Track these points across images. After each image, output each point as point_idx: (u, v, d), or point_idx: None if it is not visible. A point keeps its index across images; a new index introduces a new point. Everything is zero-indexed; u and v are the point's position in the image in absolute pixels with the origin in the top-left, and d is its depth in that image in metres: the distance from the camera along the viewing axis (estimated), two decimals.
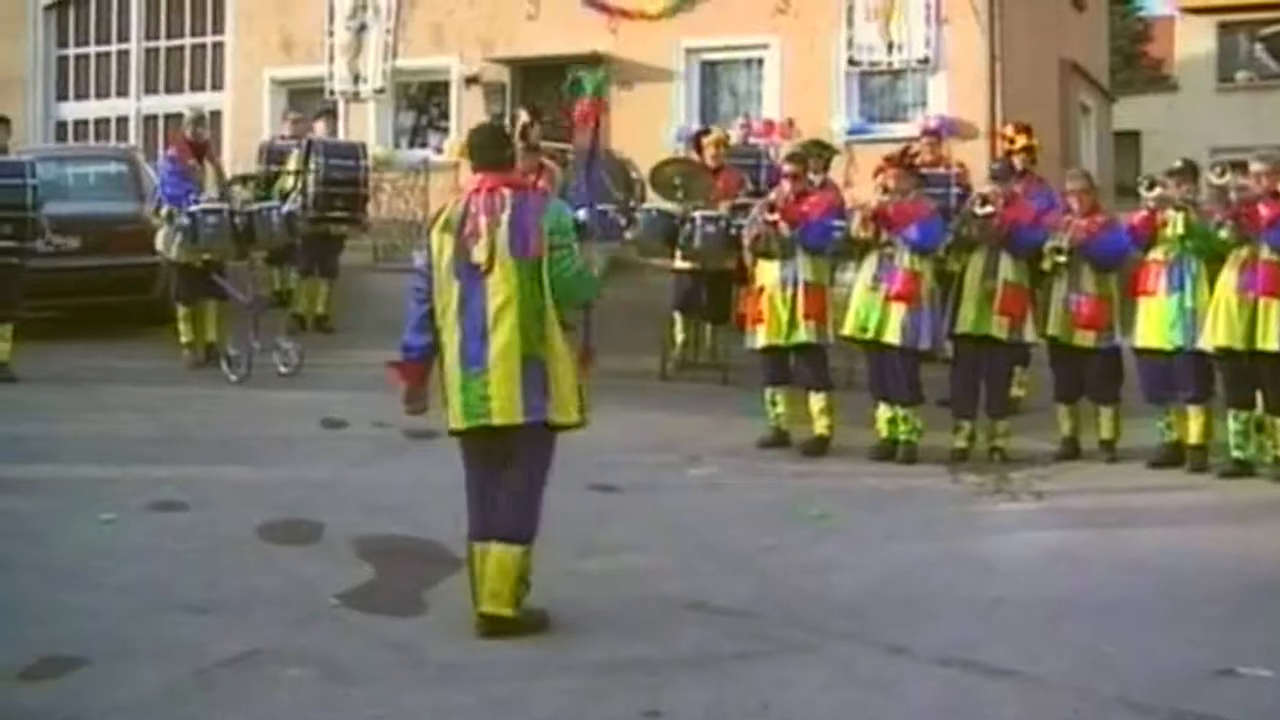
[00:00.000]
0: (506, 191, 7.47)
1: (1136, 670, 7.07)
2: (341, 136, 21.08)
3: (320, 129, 17.91)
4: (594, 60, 23.24)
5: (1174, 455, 11.76)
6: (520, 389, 7.32)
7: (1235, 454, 11.36)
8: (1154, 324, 11.60)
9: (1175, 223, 11.43)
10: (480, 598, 7.41)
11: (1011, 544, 9.78)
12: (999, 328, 12.01)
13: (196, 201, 14.56)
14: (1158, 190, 11.60)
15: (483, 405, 7.32)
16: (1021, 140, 13.90)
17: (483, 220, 7.37)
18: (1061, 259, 11.92)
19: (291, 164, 16.76)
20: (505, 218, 7.37)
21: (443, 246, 7.43)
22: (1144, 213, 11.73)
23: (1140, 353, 11.82)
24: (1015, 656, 7.22)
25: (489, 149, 7.73)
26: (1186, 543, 9.60)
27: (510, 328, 7.33)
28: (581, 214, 14.51)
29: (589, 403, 7.66)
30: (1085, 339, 12.05)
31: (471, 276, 7.35)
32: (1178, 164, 11.90)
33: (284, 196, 15.89)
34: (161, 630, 7.42)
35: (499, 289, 7.33)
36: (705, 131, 16.94)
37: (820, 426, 12.31)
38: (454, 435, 7.53)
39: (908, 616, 7.94)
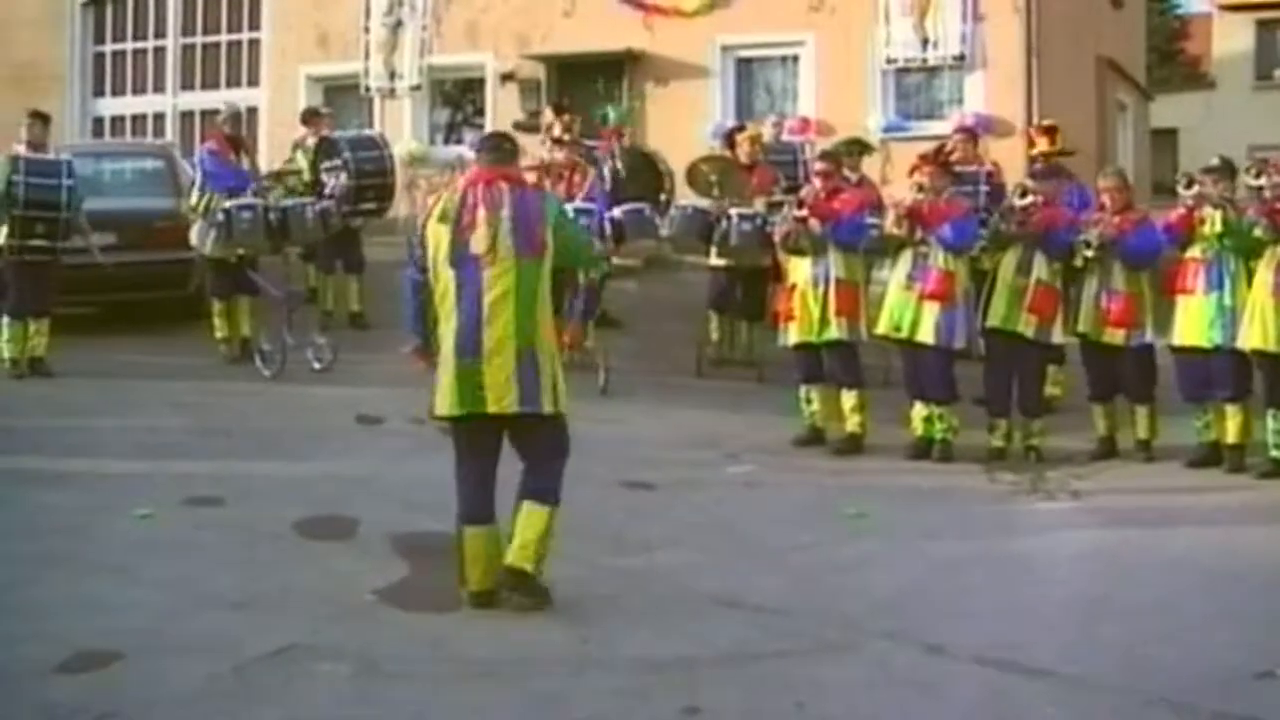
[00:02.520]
0: (504, 185, 7.70)
1: (1176, 671, 7.03)
2: (377, 130, 21.04)
3: (309, 134, 17.58)
4: (629, 58, 23.30)
5: (1212, 455, 11.69)
6: (516, 379, 7.53)
7: (1274, 454, 11.27)
8: (1192, 322, 11.53)
9: (1213, 220, 11.38)
10: (501, 561, 7.69)
11: (1048, 543, 9.73)
12: (1027, 325, 11.94)
13: (259, 190, 14.65)
14: (1196, 189, 11.53)
15: (477, 394, 7.54)
16: (1043, 144, 13.79)
17: (481, 212, 7.59)
18: (1089, 253, 11.85)
19: (301, 162, 16.77)
20: (507, 214, 7.59)
21: (439, 237, 7.62)
22: (1181, 210, 11.66)
23: (1178, 351, 11.75)
24: (1053, 656, 7.18)
25: (492, 148, 7.96)
26: (1225, 543, 9.56)
27: (506, 320, 7.54)
28: (616, 212, 14.63)
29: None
30: (1115, 337, 11.97)
31: (468, 267, 7.56)
32: (1215, 162, 11.83)
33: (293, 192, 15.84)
34: (198, 625, 7.44)
35: (497, 282, 7.54)
36: (740, 128, 16.92)
37: (852, 424, 12.28)
38: (440, 420, 7.83)
39: (945, 615, 7.91)
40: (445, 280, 7.60)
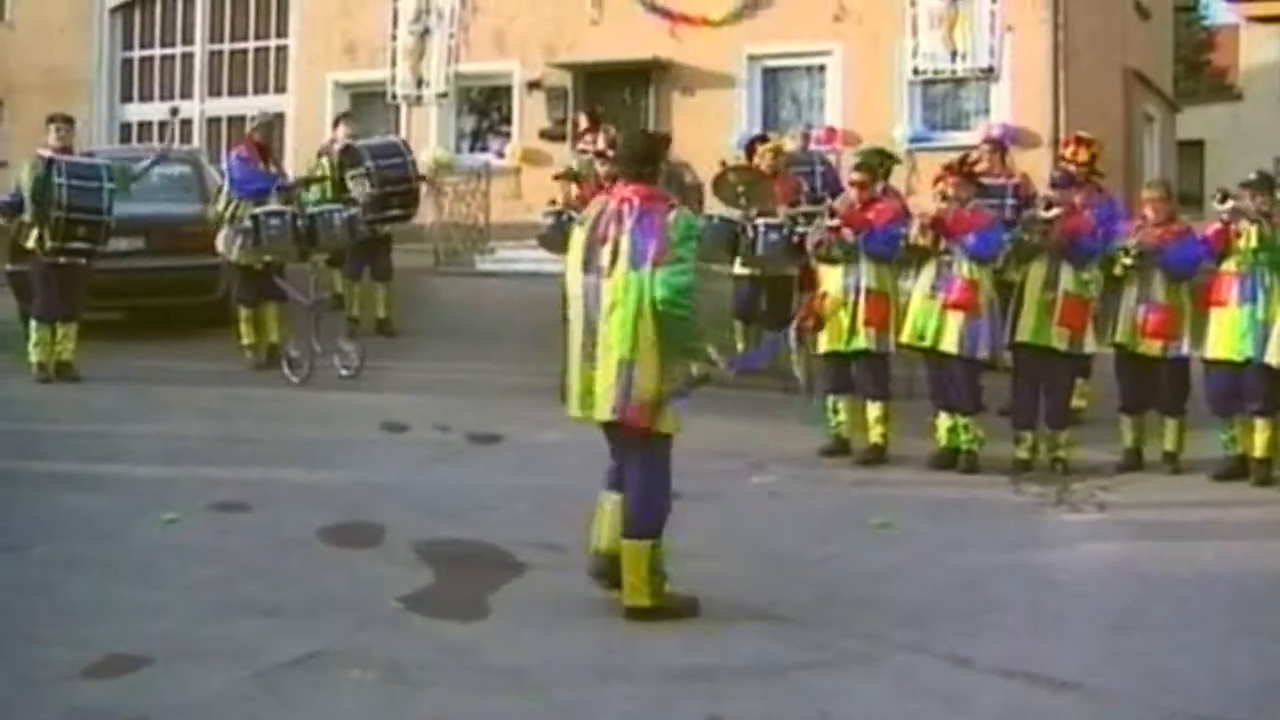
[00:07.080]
0: (636, 201, 7.83)
1: (1202, 684, 7.02)
2: (403, 136, 21.07)
3: (341, 133, 17.68)
4: (656, 66, 23.33)
5: (1238, 468, 11.63)
6: (614, 387, 7.70)
7: None
8: (1225, 335, 11.48)
9: (1249, 235, 11.33)
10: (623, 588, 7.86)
11: (1074, 555, 9.70)
12: (1059, 339, 11.92)
13: (282, 188, 14.72)
14: (1230, 203, 11.47)
15: (589, 399, 7.84)
16: (1078, 153, 13.72)
17: (612, 227, 7.81)
18: (1129, 262, 11.82)
19: (325, 170, 16.82)
20: (629, 227, 7.75)
21: (577, 241, 7.99)
22: (1218, 224, 11.60)
23: (1210, 364, 11.70)
24: (1079, 669, 7.17)
25: (632, 162, 8.11)
26: (1251, 556, 9.52)
27: (613, 329, 7.70)
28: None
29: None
30: (1152, 348, 11.92)
31: (594, 275, 7.80)
32: (1252, 176, 11.75)
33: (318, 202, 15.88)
34: (225, 630, 7.46)
35: (610, 293, 7.72)
36: (762, 139, 16.88)
37: (875, 435, 12.25)
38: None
39: (970, 627, 7.90)
40: (575, 284, 7.92)
